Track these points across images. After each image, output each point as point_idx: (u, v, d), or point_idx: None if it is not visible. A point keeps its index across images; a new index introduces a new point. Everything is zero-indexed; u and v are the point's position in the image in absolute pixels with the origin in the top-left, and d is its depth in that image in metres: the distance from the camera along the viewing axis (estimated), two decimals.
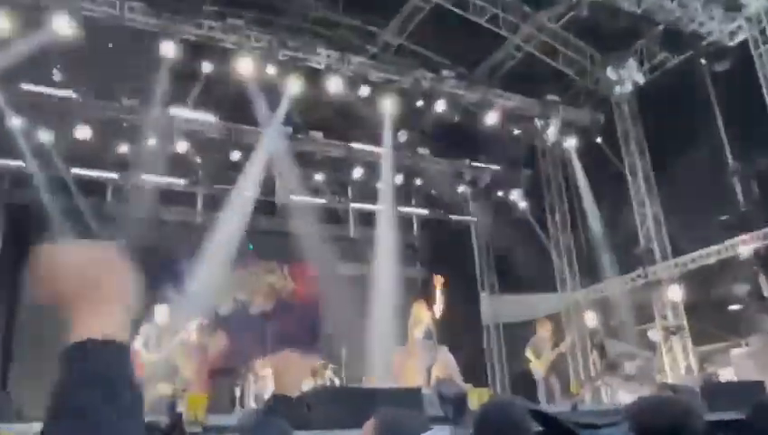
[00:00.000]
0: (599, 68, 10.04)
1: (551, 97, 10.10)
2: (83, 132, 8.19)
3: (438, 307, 6.75)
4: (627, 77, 9.47)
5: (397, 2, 9.10)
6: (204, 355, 6.67)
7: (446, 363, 6.43)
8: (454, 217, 11.54)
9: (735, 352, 8.00)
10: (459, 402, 3.94)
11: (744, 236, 8.09)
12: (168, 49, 7.49)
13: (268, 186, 9.88)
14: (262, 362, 6.91)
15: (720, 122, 8.25)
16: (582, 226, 10.51)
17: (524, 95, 10.02)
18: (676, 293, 9.02)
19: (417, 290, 10.22)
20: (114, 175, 9.30)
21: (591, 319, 9.75)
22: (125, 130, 8.61)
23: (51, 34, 6.88)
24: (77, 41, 6.97)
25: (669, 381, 8.19)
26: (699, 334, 8.91)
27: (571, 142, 10.29)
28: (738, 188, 8.07)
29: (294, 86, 8.40)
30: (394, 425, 1.49)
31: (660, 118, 9.37)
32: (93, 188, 9.24)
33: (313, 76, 8.56)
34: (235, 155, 9.55)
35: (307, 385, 5.81)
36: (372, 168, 10.23)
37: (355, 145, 10.29)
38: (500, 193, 11.36)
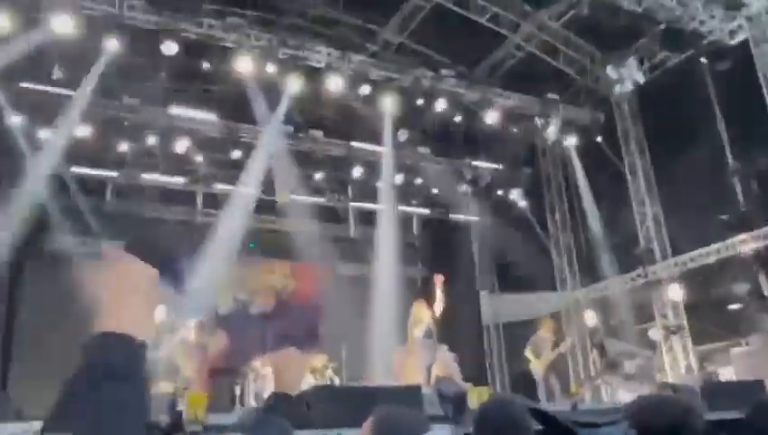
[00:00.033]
0: (599, 67, 10.03)
1: (551, 96, 10.09)
2: (83, 130, 8.19)
3: (438, 306, 6.75)
4: (627, 76, 9.45)
5: (397, 0, 9.09)
6: (204, 354, 6.67)
7: (446, 362, 6.42)
8: (454, 216, 11.54)
9: (735, 351, 8.00)
10: (459, 401, 3.93)
11: (743, 236, 8.09)
12: (169, 47, 7.49)
13: (268, 185, 9.88)
14: (262, 361, 6.92)
15: (720, 122, 8.24)
16: (582, 225, 10.51)
17: (524, 94, 10.01)
18: (676, 292, 9.02)
19: (417, 289, 10.24)
20: (114, 174, 9.30)
21: (591, 318, 9.76)
22: (125, 128, 8.60)
23: (50, 33, 6.88)
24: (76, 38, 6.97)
25: (669, 380, 8.19)
26: (699, 334, 8.91)
27: (571, 141, 10.28)
28: (738, 188, 8.07)
29: (294, 85, 8.40)
30: (392, 423, 1.49)
31: (660, 117, 9.36)
32: (93, 187, 9.25)
33: (313, 75, 8.55)
34: (236, 154, 9.56)
35: (307, 384, 5.81)
36: (372, 167, 10.23)
37: (355, 144, 10.28)
38: (500, 192, 11.35)
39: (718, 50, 8.27)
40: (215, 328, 7.61)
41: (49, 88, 7.79)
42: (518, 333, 9.80)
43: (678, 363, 8.99)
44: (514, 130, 10.04)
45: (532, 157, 11.47)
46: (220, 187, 10.01)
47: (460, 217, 11.67)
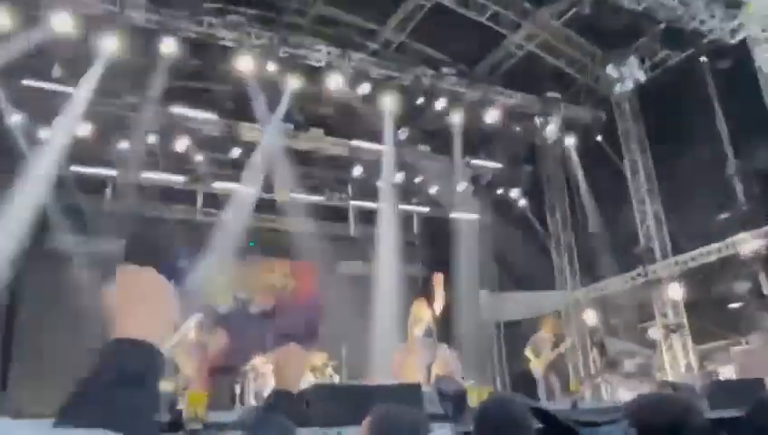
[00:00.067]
0: (599, 66, 10.02)
1: (551, 95, 10.09)
2: (83, 129, 8.18)
3: (438, 305, 6.74)
4: (628, 75, 9.45)
5: None
6: (204, 353, 6.67)
7: (446, 361, 6.41)
8: (454, 214, 11.54)
9: (736, 350, 8.00)
10: (459, 400, 3.93)
11: (744, 235, 8.09)
12: (169, 46, 7.48)
13: (268, 183, 9.88)
14: (262, 360, 6.92)
15: (720, 120, 8.24)
16: (583, 224, 10.50)
17: (525, 93, 10.00)
18: (676, 291, 9.02)
19: (418, 288, 10.23)
20: (114, 172, 9.30)
21: (591, 317, 9.76)
22: (125, 127, 8.60)
23: (50, 31, 6.88)
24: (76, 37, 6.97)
25: (669, 379, 8.19)
26: (699, 332, 8.91)
27: (571, 140, 10.28)
28: (738, 186, 8.06)
29: (295, 83, 8.39)
30: (390, 421, 1.49)
31: (661, 116, 9.36)
32: (93, 186, 9.24)
33: (314, 73, 8.55)
34: (236, 152, 9.55)
35: (307, 383, 5.81)
36: (373, 165, 10.22)
37: (355, 142, 10.28)
38: (500, 191, 11.35)
39: (718, 49, 8.27)
40: (215, 327, 7.62)
41: (49, 86, 7.78)
42: (518, 331, 9.81)
43: (678, 362, 8.99)
44: (515, 128, 10.03)
45: (532, 156, 11.46)
46: (220, 185, 10.01)
47: (460, 215, 11.67)
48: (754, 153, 7.88)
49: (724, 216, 8.19)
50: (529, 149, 11.24)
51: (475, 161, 11.15)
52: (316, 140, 10.02)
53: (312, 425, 2.49)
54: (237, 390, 6.93)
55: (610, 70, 9.56)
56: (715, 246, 8.62)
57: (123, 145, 8.87)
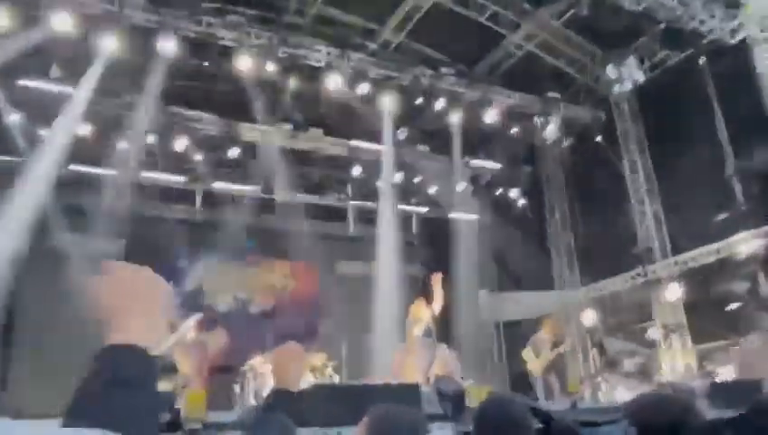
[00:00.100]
0: (599, 66, 10.03)
1: (551, 95, 10.09)
2: (82, 128, 8.18)
3: (438, 305, 6.74)
4: (627, 75, 9.46)
5: None
6: (203, 353, 6.67)
7: (445, 361, 6.41)
8: (453, 214, 11.54)
9: (735, 350, 8.00)
10: (458, 400, 3.93)
11: (743, 235, 8.10)
12: (168, 45, 7.48)
13: (268, 183, 9.87)
14: (261, 359, 6.92)
15: (720, 121, 8.24)
16: (582, 224, 10.51)
17: (524, 93, 10.00)
18: (675, 291, 9.02)
19: (417, 288, 10.23)
20: (113, 172, 9.28)
21: (591, 317, 9.77)
22: (124, 126, 8.59)
23: (50, 31, 6.87)
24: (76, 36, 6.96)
25: (669, 379, 8.20)
26: (699, 333, 8.92)
27: (570, 140, 10.28)
28: (738, 187, 8.07)
29: (294, 83, 8.39)
30: (388, 421, 1.49)
31: (660, 116, 9.36)
32: (91, 185, 9.23)
33: (313, 73, 8.55)
34: (235, 152, 9.55)
35: (307, 383, 5.81)
36: (372, 165, 10.22)
37: (355, 143, 10.28)
38: (500, 191, 11.35)
39: (718, 49, 8.27)
40: (214, 326, 7.62)
41: (48, 86, 7.78)
42: (518, 332, 9.81)
43: (678, 362, 9.00)
44: (514, 128, 10.04)
45: (531, 156, 11.47)
46: (219, 185, 10.01)
47: (460, 215, 11.67)
48: (753, 153, 7.89)
49: (723, 216, 8.20)
50: (528, 148, 11.25)
51: (474, 161, 11.15)
52: (315, 140, 10.02)
53: (311, 425, 2.49)
54: (237, 389, 6.93)
55: (610, 70, 9.57)
56: (714, 246, 8.62)
57: (122, 145, 8.86)
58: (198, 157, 9.52)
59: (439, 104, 9.33)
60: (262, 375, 6.79)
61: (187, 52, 7.71)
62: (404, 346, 6.62)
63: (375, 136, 9.68)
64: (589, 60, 10.18)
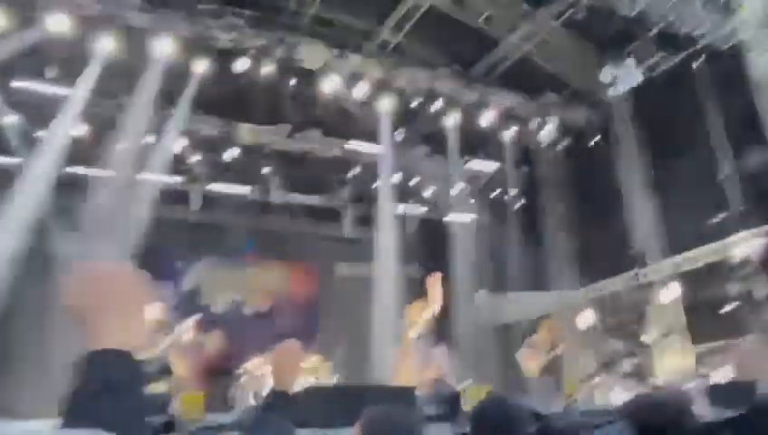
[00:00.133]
0: (595, 69, 10.05)
1: (548, 97, 10.11)
2: (78, 130, 8.16)
3: (436, 305, 6.76)
4: (623, 78, 9.49)
5: (394, 0, 9.08)
6: (199, 354, 6.66)
7: (440, 363, 6.43)
8: (451, 215, 11.55)
9: (732, 351, 8.02)
10: (453, 401, 3.94)
11: (739, 236, 8.13)
12: (164, 46, 7.47)
13: (265, 185, 9.87)
14: (258, 361, 6.91)
15: (715, 123, 8.28)
16: (579, 225, 10.53)
17: (521, 95, 10.03)
18: (671, 292, 9.05)
19: (414, 289, 10.24)
20: (110, 173, 9.25)
21: (589, 318, 9.79)
22: (120, 127, 8.57)
23: (45, 31, 6.85)
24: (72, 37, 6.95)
25: (664, 380, 8.22)
26: (695, 334, 8.94)
27: (567, 142, 10.31)
28: (732, 189, 8.10)
29: (291, 84, 8.39)
30: (382, 423, 1.49)
31: (656, 119, 9.39)
32: (88, 186, 9.20)
33: (310, 75, 8.54)
34: (232, 153, 9.54)
35: (305, 384, 5.80)
36: (370, 167, 10.23)
37: (352, 144, 10.28)
38: (497, 192, 11.36)
39: (713, 53, 8.32)
40: (211, 328, 7.60)
41: (44, 87, 7.75)
42: (516, 332, 9.82)
43: (674, 364, 9.02)
44: (511, 130, 10.06)
45: (528, 157, 11.49)
46: (217, 186, 9.99)
47: (457, 216, 11.68)
48: (748, 156, 7.93)
49: (718, 218, 8.23)
50: (525, 150, 11.27)
51: (471, 163, 11.17)
52: (313, 142, 10.02)
53: (310, 426, 2.49)
54: (233, 390, 6.92)
55: (606, 73, 9.59)
56: (710, 247, 8.65)
57: (119, 145, 8.83)
58: (196, 157, 9.51)
59: (437, 106, 9.35)
60: (258, 377, 6.78)
61: (184, 52, 7.69)
62: (400, 348, 6.63)
63: (373, 137, 9.68)
64: (585, 62, 10.20)
